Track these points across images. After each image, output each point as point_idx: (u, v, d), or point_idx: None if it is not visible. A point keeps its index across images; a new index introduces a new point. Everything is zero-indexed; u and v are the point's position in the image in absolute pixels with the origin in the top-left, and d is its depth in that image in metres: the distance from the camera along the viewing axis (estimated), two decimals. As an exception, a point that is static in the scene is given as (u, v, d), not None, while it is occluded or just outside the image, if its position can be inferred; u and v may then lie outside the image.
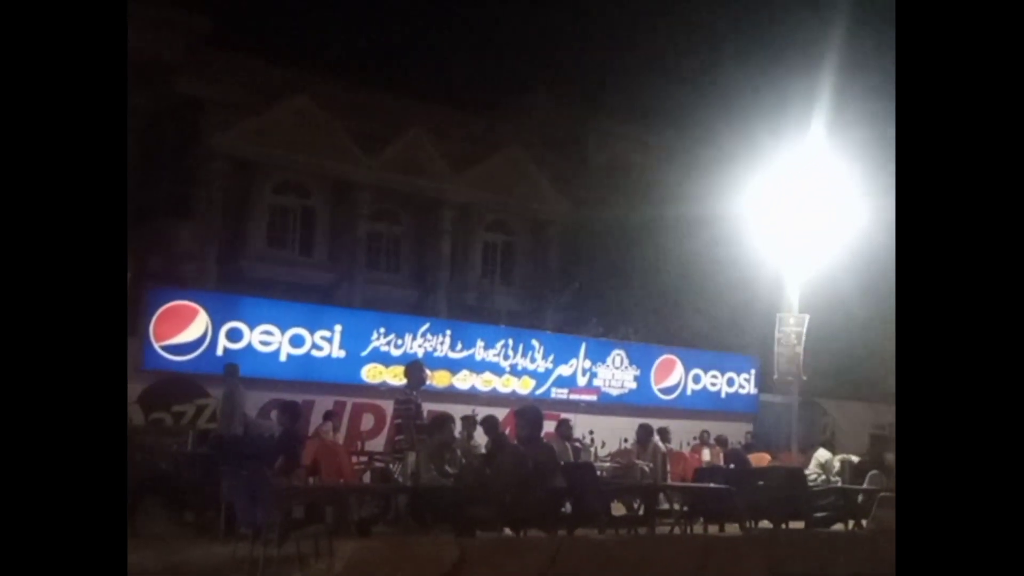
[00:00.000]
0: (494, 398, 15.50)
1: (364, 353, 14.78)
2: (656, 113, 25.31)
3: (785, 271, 15.41)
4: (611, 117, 25.67)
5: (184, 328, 13.27)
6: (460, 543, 5.95)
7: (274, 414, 11.33)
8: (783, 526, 10.17)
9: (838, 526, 10.76)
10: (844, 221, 14.86)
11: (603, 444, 15.27)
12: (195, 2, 20.46)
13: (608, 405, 17.00)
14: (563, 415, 13.57)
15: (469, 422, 11.51)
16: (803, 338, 15.04)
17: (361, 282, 22.47)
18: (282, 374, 13.89)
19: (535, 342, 16.63)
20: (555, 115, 25.94)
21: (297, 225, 22.76)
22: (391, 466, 9.60)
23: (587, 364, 17.11)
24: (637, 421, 12.90)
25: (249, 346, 13.73)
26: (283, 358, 14.10)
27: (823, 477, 12.29)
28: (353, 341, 14.69)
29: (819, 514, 10.63)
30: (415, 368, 9.95)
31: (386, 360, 14.82)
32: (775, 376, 15.83)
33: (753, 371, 19.26)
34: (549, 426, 11.05)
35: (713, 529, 10.03)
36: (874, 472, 11.64)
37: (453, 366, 15.55)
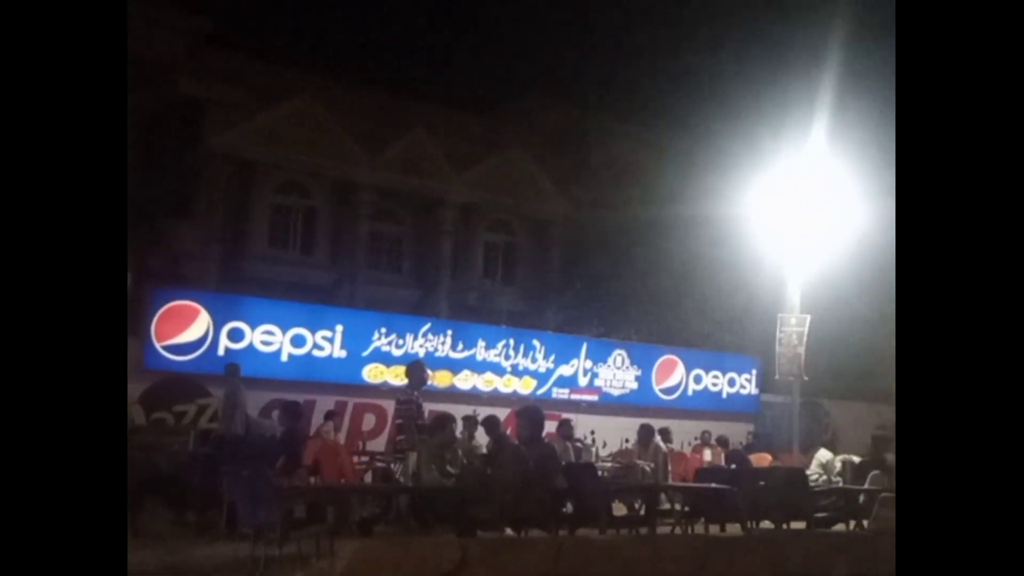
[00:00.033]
0: (495, 398, 15.50)
1: (365, 353, 14.78)
2: (657, 113, 25.34)
3: (786, 271, 15.40)
4: (612, 117, 25.66)
5: (185, 328, 13.27)
6: (461, 543, 5.95)
7: (275, 414, 11.35)
8: (784, 526, 10.16)
9: (839, 526, 10.76)
10: (845, 221, 14.84)
11: (604, 444, 15.27)
12: (196, 2, 20.49)
13: (609, 405, 16.99)
14: (564, 415, 13.57)
15: (470, 422, 11.51)
16: (804, 338, 15.03)
17: (362, 282, 22.49)
18: (283, 374, 13.89)
19: (536, 342, 16.63)
20: (556, 115, 25.94)
21: (298, 225, 22.78)
22: (392, 466, 9.61)
23: (588, 364, 17.11)
24: (638, 421, 12.89)
25: (250, 346, 13.74)
26: (284, 358, 14.10)
27: (824, 477, 12.27)
28: (354, 341, 14.70)
29: (820, 514, 10.63)
30: (416, 368, 9.96)
31: (387, 360, 14.83)
32: (776, 376, 15.82)
33: (754, 371, 19.25)
34: (550, 426, 11.05)
35: (714, 529, 10.02)
36: (875, 472, 11.64)
37: (454, 366, 15.55)
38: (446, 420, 8.87)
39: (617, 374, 17.43)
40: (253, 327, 13.83)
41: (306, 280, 21.73)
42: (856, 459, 13.30)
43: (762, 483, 10.93)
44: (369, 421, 14.49)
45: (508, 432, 11.05)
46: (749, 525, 10.06)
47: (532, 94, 26.73)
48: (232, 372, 12.23)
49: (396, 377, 13.87)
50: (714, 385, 18.78)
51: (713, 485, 10.41)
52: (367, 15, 41.54)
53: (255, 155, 21.37)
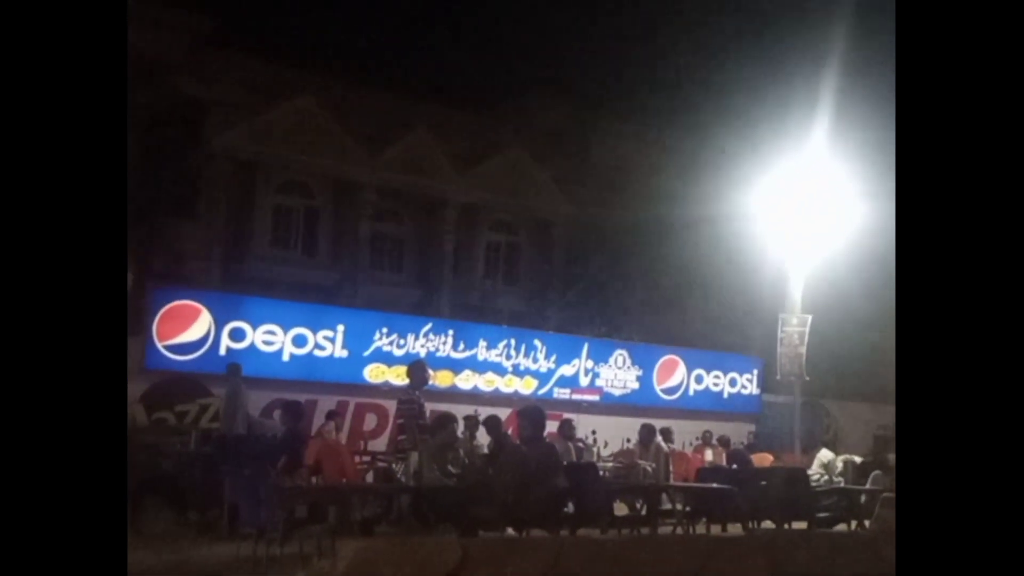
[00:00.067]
0: (497, 398, 15.51)
1: (367, 353, 14.79)
2: (659, 113, 25.32)
3: (788, 271, 15.41)
4: (614, 117, 25.65)
5: (187, 328, 13.29)
6: (463, 543, 5.95)
7: (277, 414, 11.37)
8: (786, 526, 10.16)
9: (841, 527, 10.75)
10: (847, 221, 14.86)
11: (606, 444, 15.26)
12: (197, 2, 20.49)
13: (611, 405, 17.00)
14: (566, 415, 13.60)
15: (472, 422, 11.51)
16: (806, 338, 15.05)
17: (364, 282, 22.49)
18: (285, 374, 13.90)
19: (538, 342, 16.63)
20: (558, 115, 25.93)
21: (300, 225, 22.79)
22: (394, 466, 9.61)
23: (590, 364, 17.11)
24: (640, 421, 12.90)
25: (252, 346, 13.75)
26: (286, 358, 14.12)
27: (826, 477, 12.28)
28: (356, 341, 14.71)
29: (822, 514, 10.63)
30: (418, 368, 9.96)
31: (389, 360, 14.84)
32: (778, 376, 15.84)
33: (756, 371, 19.25)
34: (552, 426, 11.05)
35: (716, 529, 10.02)
36: (877, 472, 11.66)
37: (456, 366, 15.56)
38: (447, 420, 8.88)
39: (618, 374, 17.43)
40: (254, 327, 13.84)
41: (307, 280, 21.73)
42: (857, 459, 13.32)
43: (763, 483, 10.93)
44: (370, 421, 14.50)
45: (509, 432, 11.06)
46: (750, 525, 10.05)
47: (533, 94, 26.72)
48: (234, 372, 12.24)
49: (397, 377, 13.89)
50: (715, 385, 18.78)
51: (714, 485, 10.41)
52: (368, 15, 41.56)
53: (256, 155, 21.38)
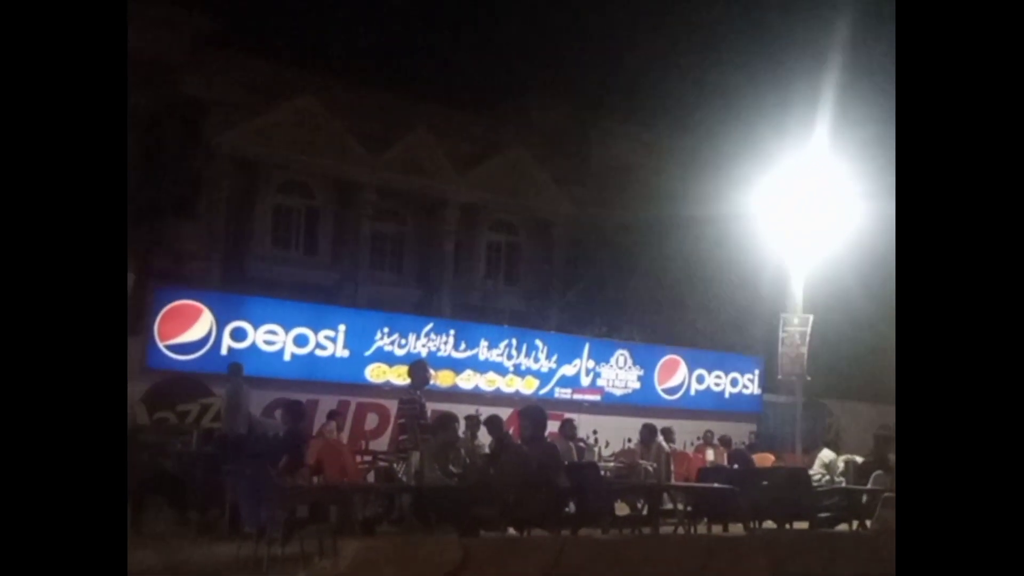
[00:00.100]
0: (498, 398, 15.51)
1: (368, 353, 14.79)
2: (659, 113, 25.32)
3: (789, 271, 15.41)
4: (614, 117, 25.66)
5: (188, 327, 13.29)
6: (464, 543, 5.95)
7: (278, 413, 11.37)
8: (787, 526, 10.15)
9: (842, 526, 10.74)
10: (848, 221, 14.85)
11: (607, 444, 15.27)
12: (198, 2, 20.50)
13: (612, 405, 16.99)
14: (567, 415, 13.59)
15: (473, 422, 11.51)
16: (807, 338, 15.05)
17: (365, 282, 22.51)
18: (286, 373, 13.91)
19: (539, 342, 16.63)
20: (558, 115, 25.94)
21: (301, 225, 22.81)
22: (395, 465, 9.62)
23: (591, 364, 17.11)
24: (641, 421, 12.90)
25: (253, 345, 13.76)
26: (287, 357, 14.12)
27: (827, 477, 12.26)
28: (357, 341, 14.71)
29: (823, 514, 10.61)
30: (419, 368, 9.96)
31: (390, 360, 14.83)
32: (779, 376, 15.84)
33: (757, 371, 19.25)
34: (553, 426, 11.05)
35: (717, 529, 10.01)
36: (878, 472, 11.63)
37: (457, 366, 15.55)
38: (449, 420, 8.87)
39: (620, 374, 17.43)
40: (256, 327, 13.84)
41: (309, 280, 21.75)
42: (859, 459, 13.30)
43: (765, 483, 10.93)
44: (372, 421, 14.50)
45: (511, 432, 11.05)
46: (752, 525, 10.05)
47: (534, 94, 26.74)
48: (235, 371, 12.25)
49: (399, 377, 13.89)
50: (717, 385, 18.77)
51: (716, 485, 10.40)
52: (369, 15, 41.56)
53: (257, 155, 21.39)
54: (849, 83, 14.91)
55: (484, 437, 10.74)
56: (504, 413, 12.69)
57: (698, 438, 15.49)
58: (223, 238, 21.30)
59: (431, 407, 9.96)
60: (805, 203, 14.80)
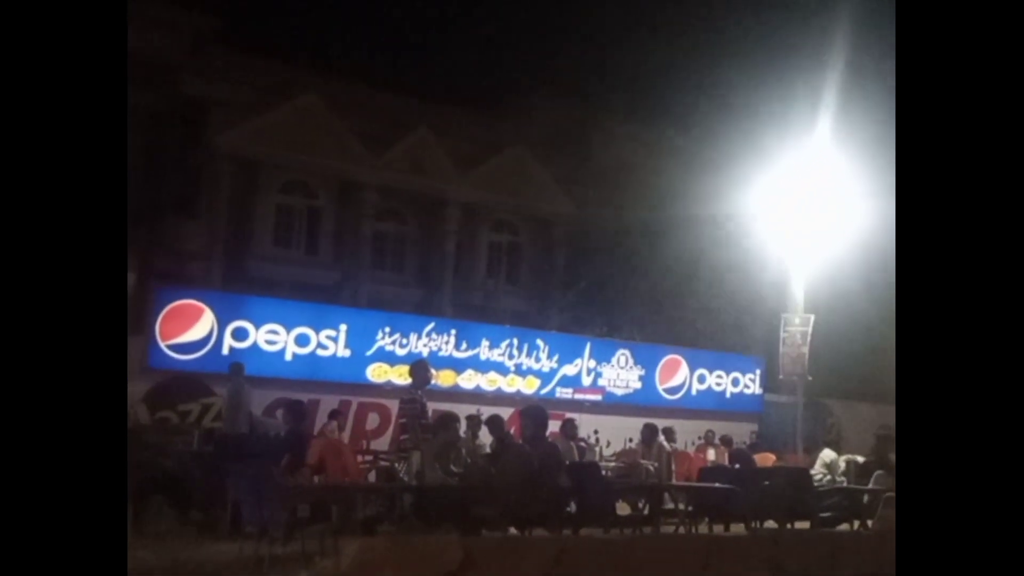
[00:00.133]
0: (499, 397, 15.50)
1: (369, 352, 14.79)
2: (661, 113, 25.30)
3: (790, 271, 15.40)
4: (616, 116, 25.66)
5: (190, 327, 13.29)
6: (465, 542, 5.96)
7: (279, 413, 11.37)
8: (788, 526, 10.16)
9: (843, 526, 10.75)
10: (849, 221, 14.84)
11: (608, 444, 15.26)
12: (200, 2, 20.51)
13: (613, 405, 16.98)
14: (568, 415, 13.58)
15: (474, 421, 11.51)
16: (808, 338, 15.04)
17: (366, 281, 22.51)
18: (287, 373, 13.90)
19: (540, 342, 16.62)
20: (560, 115, 25.94)
21: (303, 225, 22.81)
22: (396, 465, 9.61)
23: (592, 364, 17.10)
24: (642, 421, 12.89)
25: (255, 345, 13.75)
26: (288, 357, 14.11)
27: (828, 477, 12.27)
28: (358, 340, 14.70)
29: (824, 514, 10.62)
30: (420, 367, 9.95)
31: (391, 359, 14.83)
32: (780, 376, 15.83)
33: (758, 371, 19.23)
34: (554, 426, 11.05)
35: (718, 529, 10.02)
36: (879, 472, 11.63)
37: (458, 365, 15.55)
38: (450, 419, 8.87)
39: (621, 374, 17.42)
40: (257, 326, 13.84)
41: (310, 279, 21.76)
42: (860, 459, 13.29)
43: (766, 483, 10.93)
44: (373, 420, 14.50)
45: (512, 431, 11.05)
46: (753, 525, 10.06)
47: (535, 94, 26.73)
48: (236, 371, 12.25)
49: (400, 376, 13.89)
50: (718, 385, 18.76)
51: (717, 485, 10.41)
52: (370, 14, 41.57)
53: (259, 154, 21.40)
54: (850, 82, 14.90)
55: (485, 437, 10.75)
56: (505, 413, 12.69)
57: (699, 438, 15.48)
58: (224, 238, 21.31)
59: (432, 407, 9.95)
60: (806, 203, 14.79)
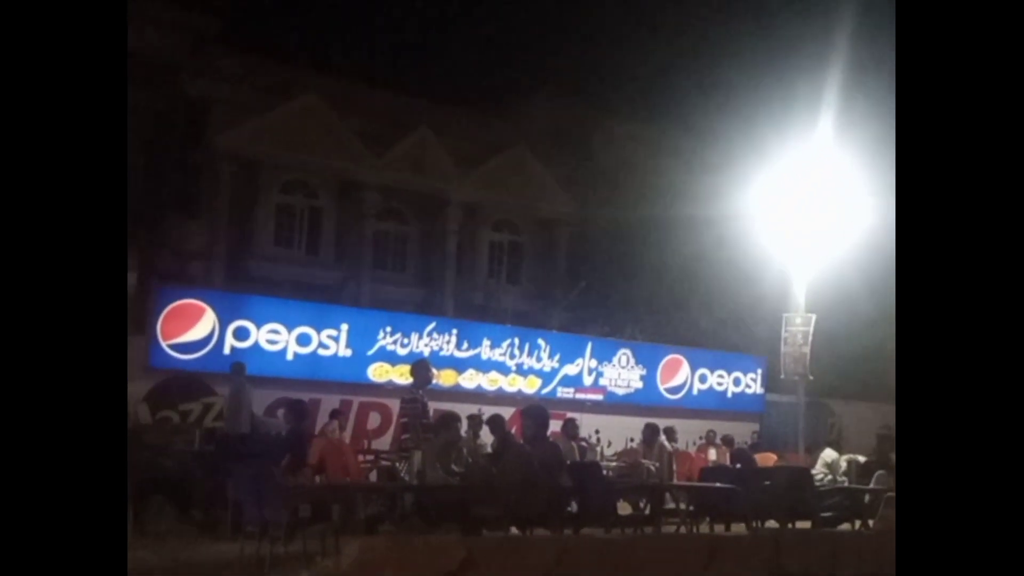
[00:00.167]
0: (500, 397, 15.50)
1: (370, 352, 14.80)
2: (662, 112, 25.29)
3: (792, 270, 15.39)
4: (617, 116, 25.65)
5: (191, 326, 13.31)
6: (466, 542, 5.96)
7: (281, 412, 11.37)
8: (789, 526, 10.15)
9: (845, 526, 10.74)
10: (850, 220, 14.83)
11: (609, 443, 15.26)
12: (202, 2, 20.52)
13: (614, 404, 16.99)
14: (569, 414, 13.58)
15: (475, 421, 11.49)
16: (810, 338, 15.03)
17: (368, 281, 22.52)
18: (289, 373, 13.91)
19: (541, 341, 16.63)
20: (561, 114, 25.94)
21: (304, 224, 22.81)
22: (397, 465, 9.62)
23: (593, 363, 17.10)
24: (643, 420, 12.89)
25: (256, 345, 13.77)
26: (290, 357, 14.13)
27: (829, 477, 12.25)
28: (359, 340, 14.71)
29: (826, 514, 10.61)
30: (421, 367, 9.95)
31: (392, 359, 14.84)
32: (782, 376, 15.82)
33: (759, 371, 19.23)
34: (555, 425, 11.05)
35: (719, 529, 10.02)
36: (881, 472, 11.62)
37: (459, 365, 15.56)
38: (451, 419, 8.87)
39: (622, 373, 17.42)
40: (259, 326, 13.85)
41: (311, 279, 21.77)
42: (861, 459, 13.28)
43: (767, 483, 10.92)
44: (374, 420, 14.51)
45: (513, 431, 11.05)
46: (754, 525, 10.05)
47: (536, 93, 26.72)
48: (237, 371, 12.26)
49: (401, 376, 13.89)
50: (719, 384, 18.76)
51: (718, 484, 10.40)
52: (371, 14, 41.59)
53: (260, 154, 21.41)
54: (852, 81, 14.89)
55: (486, 436, 10.74)
56: (506, 412, 12.69)
57: (700, 437, 15.48)
58: (225, 237, 21.32)
59: (433, 406, 9.96)
60: (808, 202, 14.78)
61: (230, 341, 13.54)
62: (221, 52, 20.82)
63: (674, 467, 12.04)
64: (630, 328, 20.46)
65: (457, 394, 14.77)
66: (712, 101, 24.22)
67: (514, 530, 7.86)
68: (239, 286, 18.89)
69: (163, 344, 13.10)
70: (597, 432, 15.45)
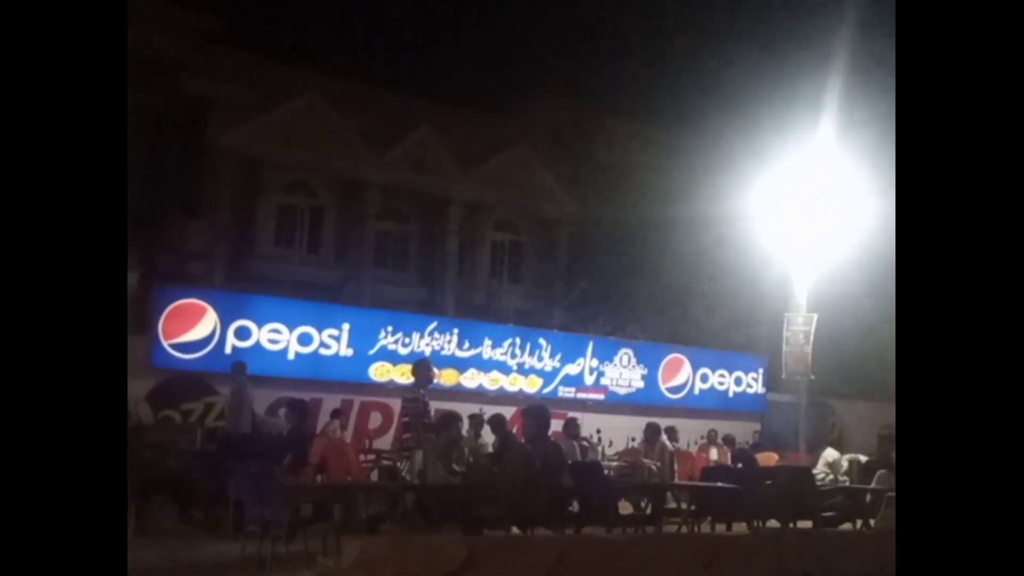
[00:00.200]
0: (501, 397, 15.51)
1: (372, 351, 14.81)
2: (663, 112, 25.26)
3: (793, 270, 15.39)
4: (619, 116, 25.63)
5: (193, 326, 13.32)
6: (467, 541, 5.96)
7: (282, 412, 11.39)
8: (791, 525, 10.15)
9: (846, 526, 10.73)
10: (852, 220, 14.83)
11: (610, 443, 15.26)
12: (203, 1, 20.51)
13: (615, 404, 16.99)
14: (570, 414, 13.60)
15: (476, 421, 11.51)
16: (811, 337, 15.02)
17: (369, 281, 22.51)
18: (290, 372, 13.93)
19: (542, 341, 16.64)
20: (562, 114, 25.92)
21: (305, 224, 22.81)
22: (398, 464, 9.63)
23: (594, 363, 17.11)
24: (644, 420, 12.90)
25: (257, 344, 13.78)
26: (291, 356, 14.14)
27: (831, 476, 12.25)
28: (361, 339, 14.72)
29: (827, 513, 10.60)
30: (422, 366, 9.96)
31: (394, 358, 14.85)
32: (783, 375, 15.82)
33: (761, 370, 19.24)
34: (556, 425, 11.05)
35: (721, 528, 10.01)
36: (882, 471, 11.60)
37: (460, 364, 15.56)
38: (452, 418, 8.87)
39: (623, 373, 17.43)
40: (260, 325, 13.87)
41: (313, 279, 21.76)
42: (863, 458, 13.28)
43: (768, 482, 10.92)
44: (375, 419, 14.52)
45: (514, 431, 11.05)
46: (755, 524, 10.04)
47: (538, 93, 26.70)
48: (239, 370, 12.27)
49: (402, 375, 13.90)
50: (721, 384, 18.76)
51: (719, 484, 10.40)
52: (372, 14, 41.58)
53: (262, 154, 21.40)
54: (853, 81, 14.88)
55: (488, 436, 10.75)
56: (508, 412, 12.70)
57: (702, 437, 15.48)
58: (227, 237, 21.31)
59: (435, 406, 9.97)
60: (809, 202, 14.78)
61: (231, 341, 13.55)
62: (222, 52, 20.81)
63: (675, 467, 12.05)
64: (631, 327, 20.46)
65: (458, 393, 14.79)
66: (714, 101, 24.20)
67: (515, 530, 7.85)
68: (240, 286, 18.89)
69: (165, 344, 13.12)
70: (598, 432, 15.44)
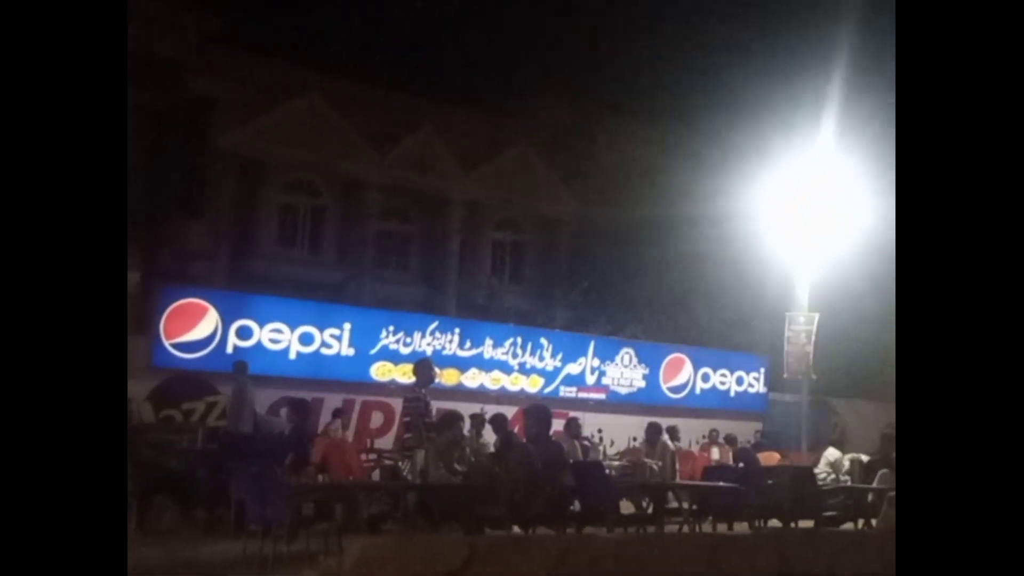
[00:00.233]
0: (503, 396, 15.51)
1: (373, 351, 14.81)
2: (665, 112, 25.29)
3: (794, 270, 15.38)
4: (620, 115, 25.64)
5: (194, 326, 13.32)
6: (469, 541, 5.95)
7: (283, 412, 11.40)
8: (792, 525, 10.14)
9: (848, 525, 10.72)
10: (853, 219, 14.81)
11: (612, 443, 15.25)
12: (203, 1, 20.53)
13: (617, 403, 16.98)
14: (572, 413, 13.59)
15: (478, 420, 11.51)
16: (813, 337, 15.01)
17: (370, 280, 22.53)
18: (291, 372, 13.93)
19: (544, 340, 16.63)
20: (564, 114, 25.93)
21: (307, 223, 22.84)
22: (400, 464, 9.62)
23: (596, 362, 17.10)
24: (646, 420, 12.89)
25: (259, 344, 13.78)
26: (292, 356, 14.14)
27: (832, 476, 12.23)
28: (362, 339, 14.72)
29: (829, 513, 10.59)
30: (424, 366, 9.96)
31: (395, 358, 14.85)
32: (784, 375, 15.80)
33: (762, 370, 19.22)
34: (558, 424, 11.05)
35: (722, 528, 10.01)
36: (884, 471, 11.59)
37: (462, 364, 15.56)
38: (454, 418, 8.88)
39: (625, 372, 17.42)
40: (261, 325, 13.87)
41: (314, 278, 21.77)
42: (864, 458, 13.25)
43: (770, 482, 10.91)
44: (377, 419, 14.52)
45: (516, 430, 11.05)
46: (757, 524, 10.04)
47: (539, 92, 26.72)
48: (240, 370, 12.27)
49: (404, 375, 13.89)
50: (722, 383, 18.75)
51: (721, 484, 10.40)
52: (374, 13, 41.58)
53: (262, 154, 21.43)
54: (855, 80, 14.87)
55: (489, 435, 10.75)
56: (509, 412, 12.71)
57: (703, 437, 15.48)
58: (228, 237, 21.34)
59: (436, 405, 9.97)
60: (811, 201, 14.77)
61: (233, 340, 13.56)
62: (224, 51, 20.83)
63: (677, 466, 12.04)
64: (632, 327, 20.46)
65: (460, 393, 14.78)
66: (716, 101, 24.23)
67: (517, 529, 7.85)
68: (242, 285, 18.90)
69: (166, 343, 13.12)
70: (600, 431, 15.44)
